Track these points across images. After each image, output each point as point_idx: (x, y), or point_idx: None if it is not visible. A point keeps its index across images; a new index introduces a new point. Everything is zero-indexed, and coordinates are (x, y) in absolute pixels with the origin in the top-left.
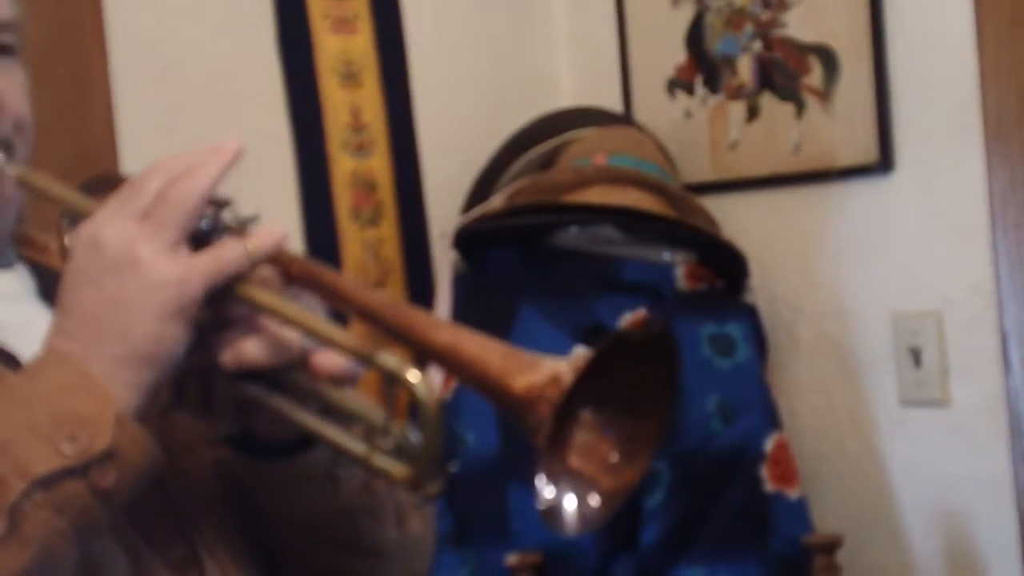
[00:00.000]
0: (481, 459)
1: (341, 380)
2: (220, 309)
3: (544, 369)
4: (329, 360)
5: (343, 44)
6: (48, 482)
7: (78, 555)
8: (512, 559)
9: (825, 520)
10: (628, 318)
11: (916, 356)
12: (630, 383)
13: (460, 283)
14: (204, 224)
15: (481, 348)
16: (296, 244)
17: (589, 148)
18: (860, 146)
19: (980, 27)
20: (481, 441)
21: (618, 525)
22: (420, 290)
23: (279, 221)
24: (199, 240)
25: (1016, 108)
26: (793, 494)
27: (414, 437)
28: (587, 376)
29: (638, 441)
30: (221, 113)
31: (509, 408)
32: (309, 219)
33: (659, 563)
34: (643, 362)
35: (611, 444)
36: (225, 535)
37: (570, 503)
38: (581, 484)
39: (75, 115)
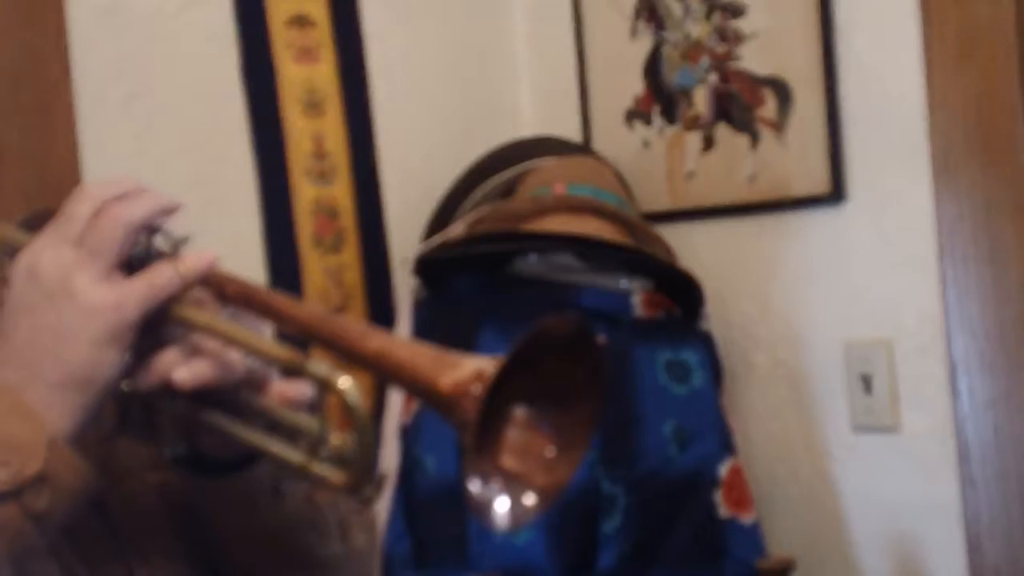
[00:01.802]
0: (441, 482)
1: (295, 405)
2: (157, 332)
3: (468, 366)
4: (291, 388)
5: (306, 73)
6: None
7: None
8: None
9: (778, 543)
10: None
11: (867, 383)
12: (560, 379)
13: (421, 309)
14: (137, 250)
15: (411, 353)
16: (258, 270)
17: (549, 177)
18: (813, 177)
19: (928, 62)
20: (441, 464)
21: (576, 549)
22: (381, 316)
23: (242, 247)
24: (132, 265)
25: (962, 141)
26: (747, 519)
27: (350, 444)
28: (514, 373)
29: (572, 434)
30: (185, 141)
31: (439, 408)
32: (271, 245)
33: None
34: (570, 358)
35: (546, 439)
36: (167, 558)
37: (503, 501)
38: (514, 482)
39: (39, 143)
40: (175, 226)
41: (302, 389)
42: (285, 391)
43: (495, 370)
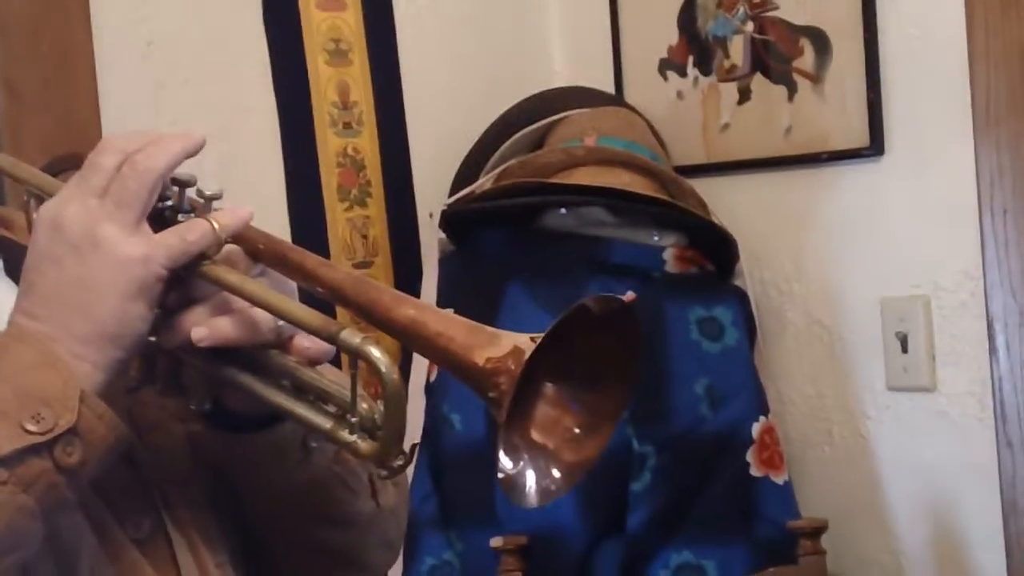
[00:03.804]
0: (467, 442)
1: (316, 362)
2: (186, 288)
3: (505, 343)
4: (309, 344)
5: (331, 21)
6: (12, 460)
7: (45, 530)
8: (498, 542)
9: (811, 504)
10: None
11: (903, 341)
12: (593, 356)
13: (447, 264)
14: (169, 203)
15: (445, 324)
16: (282, 223)
17: (579, 129)
18: (851, 130)
19: (970, 12)
20: (467, 424)
21: (605, 509)
22: (407, 271)
23: (265, 199)
24: (164, 220)
25: (1005, 94)
26: (779, 479)
27: (379, 413)
28: (549, 349)
29: (601, 413)
30: (206, 89)
31: (472, 382)
32: (295, 198)
33: (645, 547)
34: (605, 336)
35: (575, 417)
36: (195, 510)
37: (531, 476)
38: (543, 457)
39: (59, 90)
40: (205, 182)
41: (322, 346)
42: (306, 348)
43: (533, 349)
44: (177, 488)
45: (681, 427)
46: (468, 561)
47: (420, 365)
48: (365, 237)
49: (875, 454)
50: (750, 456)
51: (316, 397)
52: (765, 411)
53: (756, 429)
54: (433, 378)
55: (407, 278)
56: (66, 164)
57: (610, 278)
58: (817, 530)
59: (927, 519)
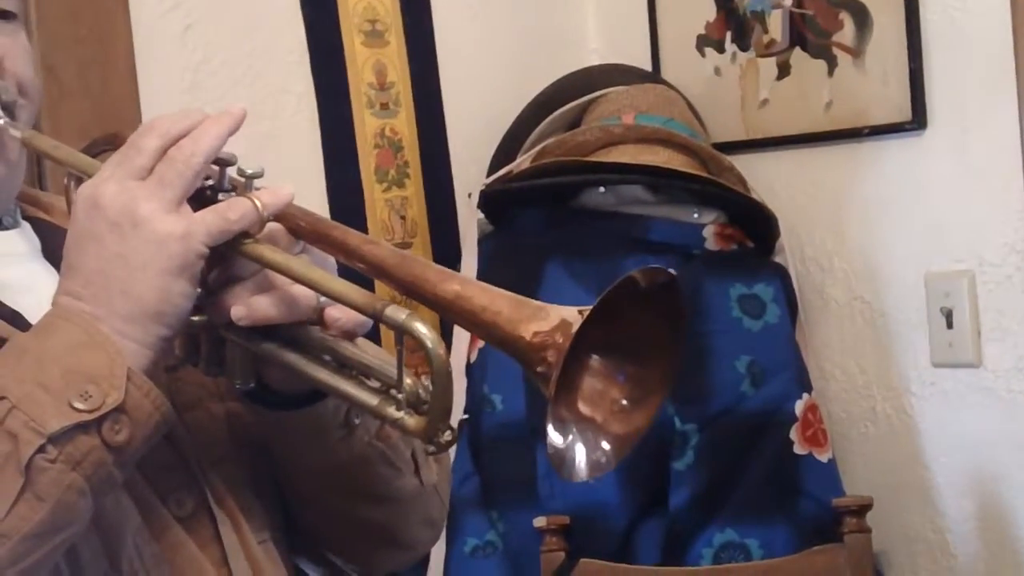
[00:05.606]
0: (508, 421)
1: (352, 334)
2: (229, 266)
3: (552, 316)
4: (340, 314)
5: (367, 1)
6: (62, 438)
7: (93, 509)
8: (540, 522)
9: (855, 482)
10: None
11: (948, 316)
12: (639, 329)
13: (486, 243)
14: (209, 183)
15: (490, 298)
16: (320, 205)
17: (617, 107)
18: (892, 104)
19: None
20: (508, 403)
21: (647, 487)
22: (446, 251)
23: (303, 181)
24: (205, 199)
25: None
26: (823, 456)
27: (424, 388)
28: (595, 322)
29: (648, 385)
30: (244, 72)
31: (518, 356)
32: (333, 180)
33: (688, 526)
34: (651, 309)
35: (621, 388)
36: (236, 488)
37: (580, 449)
38: (591, 430)
39: (98, 75)
40: (244, 163)
41: (354, 317)
42: (336, 319)
43: (580, 322)
44: (217, 466)
45: (723, 405)
46: (511, 541)
47: (460, 345)
48: (403, 218)
49: (920, 431)
50: (793, 434)
51: (359, 372)
52: (808, 388)
53: (799, 406)
54: (473, 358)
55: (446, 258)
56: (105, 145)
57: (650, 256)
58: (862, 508)
59: (973, 496)
